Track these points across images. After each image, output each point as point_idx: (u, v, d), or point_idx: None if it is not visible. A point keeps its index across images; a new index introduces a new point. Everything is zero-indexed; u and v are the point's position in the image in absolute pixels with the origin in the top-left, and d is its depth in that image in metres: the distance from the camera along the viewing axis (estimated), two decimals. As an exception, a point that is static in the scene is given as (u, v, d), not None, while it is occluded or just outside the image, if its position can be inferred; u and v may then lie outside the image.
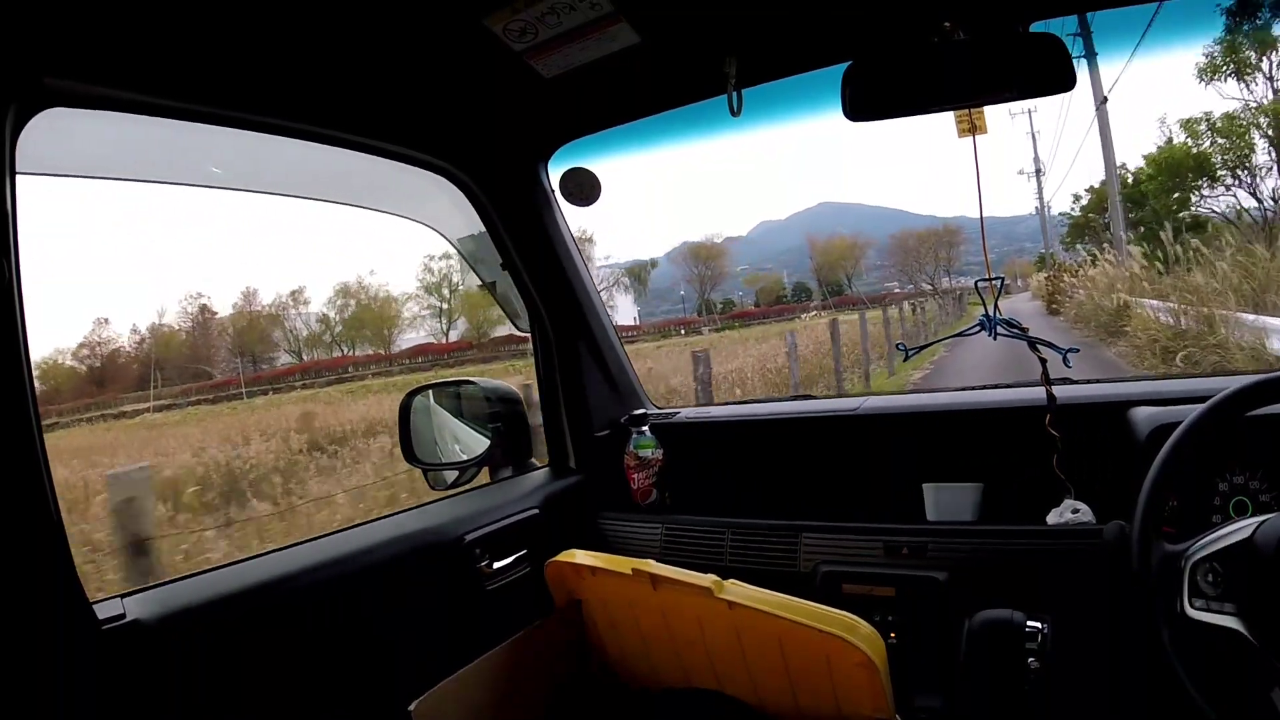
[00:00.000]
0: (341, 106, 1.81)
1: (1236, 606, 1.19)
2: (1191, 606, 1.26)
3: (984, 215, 2.22)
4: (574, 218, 2.41)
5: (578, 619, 1.79)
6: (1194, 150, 24.79)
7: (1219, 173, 24.00)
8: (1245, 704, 1.15)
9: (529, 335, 2.46)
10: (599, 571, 1.69)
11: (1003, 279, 2.03)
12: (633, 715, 1.82)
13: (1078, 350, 1.94)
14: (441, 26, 1.66)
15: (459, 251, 2.44)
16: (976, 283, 2.01)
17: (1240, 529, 1.23)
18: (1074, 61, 1.64)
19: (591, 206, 2.23)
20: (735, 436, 2.49)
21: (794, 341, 14.93)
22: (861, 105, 1.78)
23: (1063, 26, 1.72)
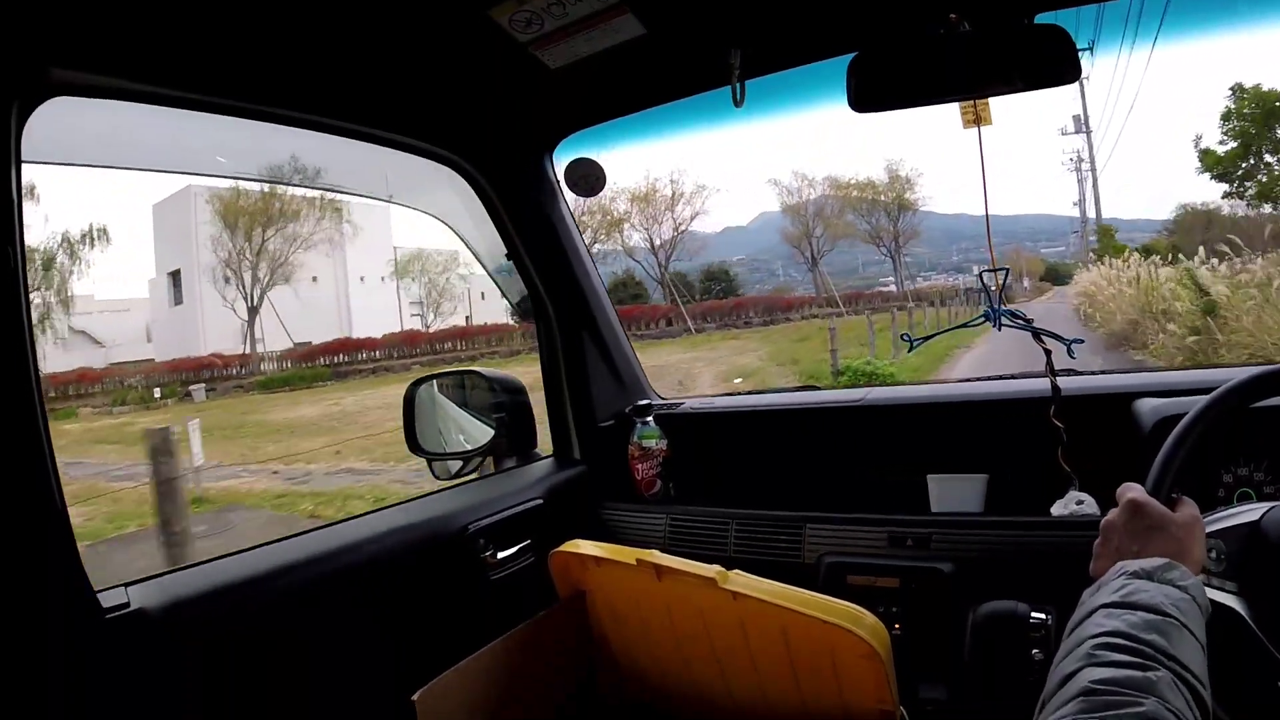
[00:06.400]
0: (348, 97, 1.81)
1: (1238, 586, 1.19)
2: None
3: (981, 213, 2.22)
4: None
5: (581, 609, 1.79)
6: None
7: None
8: (1246, 692, 1.15)
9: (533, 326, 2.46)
10: (603, 562, 1.69)
11: (1007, 270, 2.03)
12: (636, 708, 1.82)
13: (1082, 341, 1.94)
14: (447, 17, 1.66)
15: (465, 243, 2.44)
16: (981, 273, 2.01)
17: (1248, 511, 1.23)
18: (1079, 52, 1.64)
19: (596, 197, 2.23)
20: (739, 427, 2.49)
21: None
22: (866, 97, 1.77)
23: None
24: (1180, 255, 17.22)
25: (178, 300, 36.22)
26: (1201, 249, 14.87)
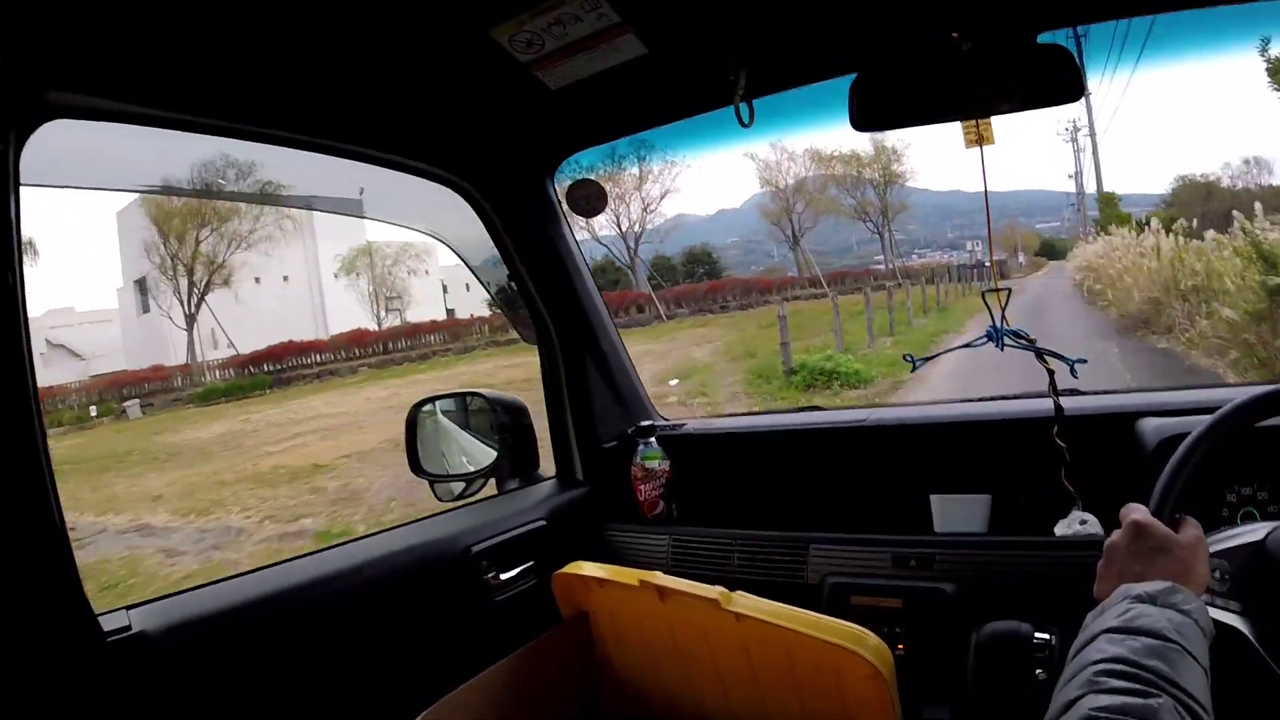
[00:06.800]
0: (348, 118, 1.81)
1: (1242, 606, 1.18)
2: None
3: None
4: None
5: (585, 631, 1.79)
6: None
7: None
8: (1249, 712, 1.15)
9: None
10: (606, 583, 1.69)
11: (1009, 290, 2.02)
12: None
13: (1085, 361, 1.93)
14: (448, 38, 1.67)
15: (466, 264, 2.45)
16: (984, 293, 2.00)
17: (1253, 531, 1.23)
18: (1083, 72, 1.64)
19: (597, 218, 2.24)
20: (742, 448, 2.49)
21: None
22: (868, 116, 1.78)
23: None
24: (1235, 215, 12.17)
25: (145, 308, 34.91)
26: (1258, 205, 11.31)
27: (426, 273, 38.94)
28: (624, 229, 36.64)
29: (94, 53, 1.33)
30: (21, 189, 1.24)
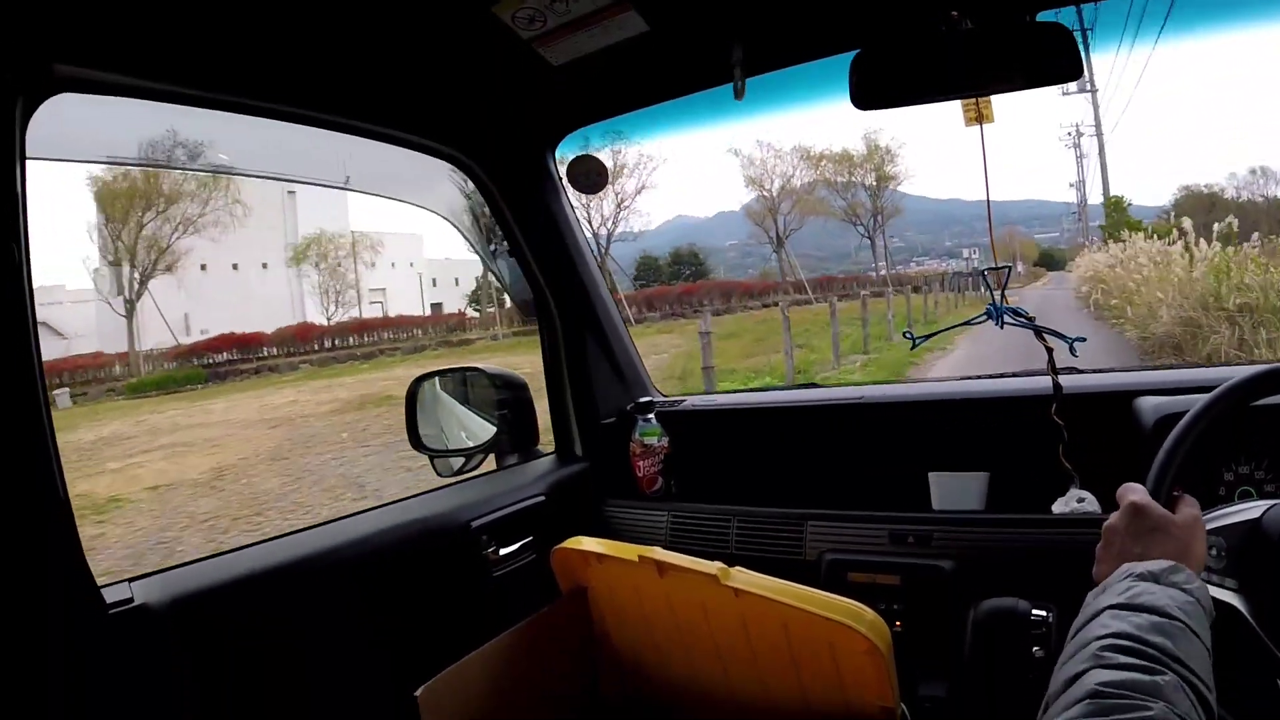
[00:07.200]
0: (350, 93, 1.81)
1: (1238, 583, 1.19)
2: None
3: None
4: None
5: (583, 606, 1.79)
6: None
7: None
8: (1246, 689, 1.15)
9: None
10: (605, 559, 1.69)
11: (1010, 267, 2.02)
12: (638, 704, 1.82)
13: (1084, 339, 1.93)
14: (450, 13, 1.66)
15: (466, 239, 2.45)
16: (984, 271, 2.00)
17: (1250, 509, 1.23)
18: (1081, 50, 1.64)
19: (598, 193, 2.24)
20: (741, 425, 2.49)
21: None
22: (869, 94, 1.78)
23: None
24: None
25: (119, 290, 32.99)
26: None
27: (390, 265, 38.79)
28: (594, 228, 34.98)
29: (100, 26, 1.33)
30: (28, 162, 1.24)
